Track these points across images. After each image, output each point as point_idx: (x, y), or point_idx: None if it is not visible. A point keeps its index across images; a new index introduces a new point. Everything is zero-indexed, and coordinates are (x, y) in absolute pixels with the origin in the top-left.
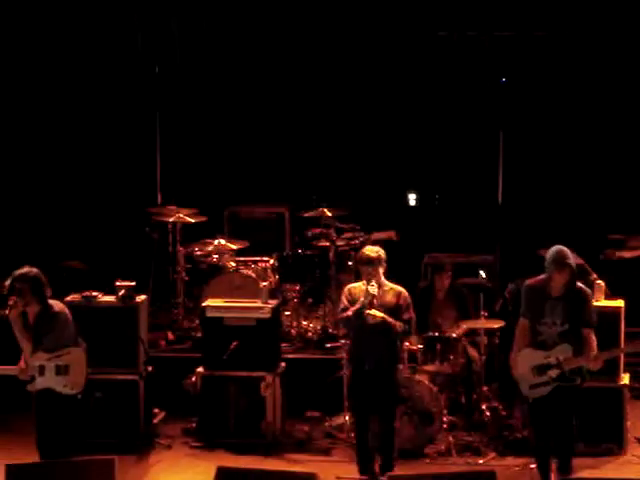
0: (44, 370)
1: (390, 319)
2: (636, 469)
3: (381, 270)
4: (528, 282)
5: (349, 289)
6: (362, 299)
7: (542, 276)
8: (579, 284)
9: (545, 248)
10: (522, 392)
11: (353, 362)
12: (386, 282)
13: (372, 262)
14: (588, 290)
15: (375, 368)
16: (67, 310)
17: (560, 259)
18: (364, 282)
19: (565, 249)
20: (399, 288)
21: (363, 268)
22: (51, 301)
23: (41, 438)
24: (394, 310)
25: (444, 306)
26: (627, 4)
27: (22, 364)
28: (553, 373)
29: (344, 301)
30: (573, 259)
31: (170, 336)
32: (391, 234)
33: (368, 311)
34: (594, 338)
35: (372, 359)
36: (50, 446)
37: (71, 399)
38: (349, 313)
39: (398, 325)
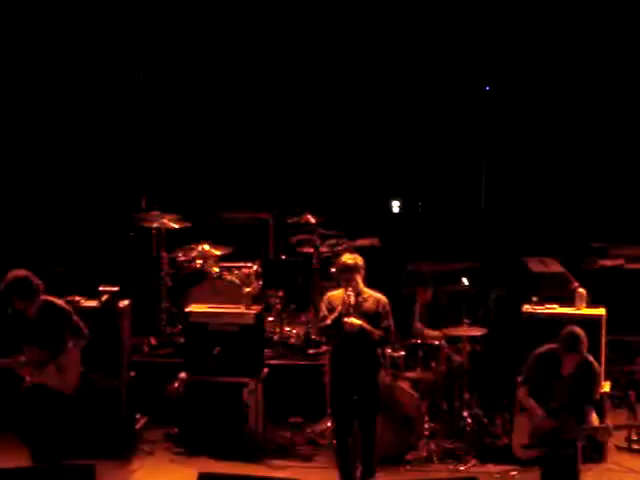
0: (41, 366)
1: (369, 326)
2: (617, 477)
3: (359, 277)
4: (539, 352)
5: (328, 297)
6: (340, 307)
7: (553, 346)
8: (590, 359)
9: (530, 256)
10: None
11: (334, 369)
12: (366, 289)
13: (349, 269)
14: (598, 368)
15: (355, 375)
16: (69, 308)
17: (572, 343)
18: (343, 290)
19: (579, 333)
20: (379, 295)
21: (341, 275)
22: (52, 298)
23: (31, 434)
24: (373, 317)
25: (426, 314)
26: (614, 13)
27: (21, 358)
28: (547, 439)
29: (323, 309)
30: (585, 344)
31: (153, 341)
32: (374, 241)
33: (346, 319)
34: (594, 415)
35: (352, 366)
36: (40, 443)
37: (62, 397)
38: (328, 321)
39: (377, 332)
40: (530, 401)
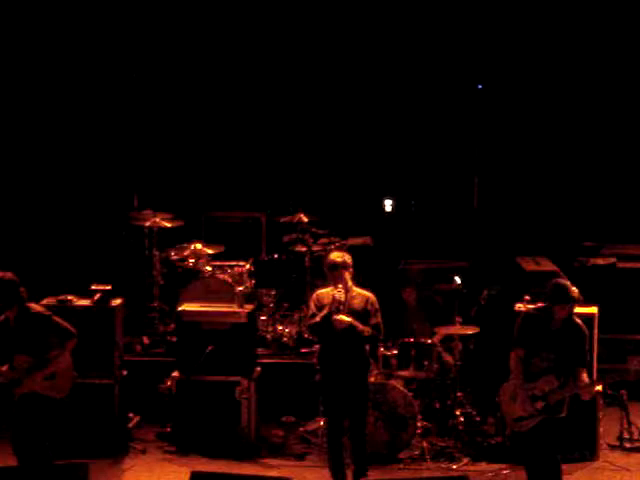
0: (31, 373)
1: (358, 324)
2: (608, 475)
3: (348, 275)
4: (527, 312)
5: (317, 295)
6: (330, 304)
7: (540, 305)
8: (577, 320)
9: (523, 256)
10: (507, 424)
11: (323, 367)
12: (354, 287)
13: (338, 267)
14: (585, 329)
15: (345, 373)
16: (48, 312)
17: (561, 293)
18: (332, 288)
19: (567, 283)
20: (367, 293)
21: (329, 273)
22: (31, 304)
23: (21, 440)
24: (362, 315)
25: (417, 313)
26: (609, 11)
27: (3, 367)
28: (539, 405)
29: (312, 307)
30: (576, 293)
31: (145, 340)
32: (367, 240)
33: (336, 316)
34: (587, 377)
35: (341, 364)
36: (29, 448)
37: (55, 403)
38: (317, 319)
39: (366, 330)
40: (519, 367)
